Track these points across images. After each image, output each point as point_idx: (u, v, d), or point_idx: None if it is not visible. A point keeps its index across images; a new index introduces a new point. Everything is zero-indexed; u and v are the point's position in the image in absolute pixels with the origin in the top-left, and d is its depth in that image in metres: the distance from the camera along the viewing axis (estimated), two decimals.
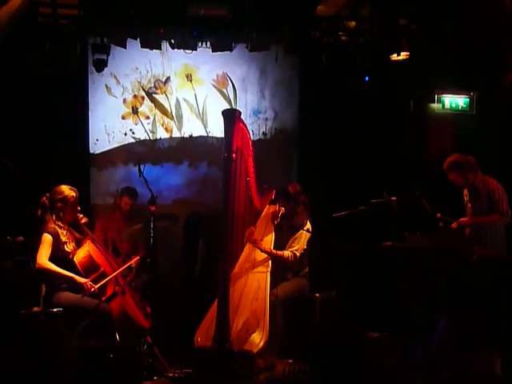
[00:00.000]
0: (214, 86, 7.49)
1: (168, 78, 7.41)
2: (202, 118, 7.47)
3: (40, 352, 3.04)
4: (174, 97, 7.43)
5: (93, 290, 5.27)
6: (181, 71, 7.42)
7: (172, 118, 7.43)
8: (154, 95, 7.41)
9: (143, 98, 7.39)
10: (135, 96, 7.38)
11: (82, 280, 5.29)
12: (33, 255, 5.64)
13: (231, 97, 7.49)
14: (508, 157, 6.93)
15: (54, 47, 6.56)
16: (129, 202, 6.71)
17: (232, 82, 7.46)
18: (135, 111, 7.39)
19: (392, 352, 3.59)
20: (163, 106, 7.42)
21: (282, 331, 5.72)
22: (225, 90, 7.49)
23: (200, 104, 7.45)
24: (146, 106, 7.41)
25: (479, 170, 5.97)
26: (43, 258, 5.26)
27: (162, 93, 7.42)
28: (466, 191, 6.09)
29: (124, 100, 7.36)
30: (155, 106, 7.42)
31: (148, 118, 7.41)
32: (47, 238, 5.30)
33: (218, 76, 7.43)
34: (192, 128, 7.48)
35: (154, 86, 7.40)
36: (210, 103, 7.47)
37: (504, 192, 5.90)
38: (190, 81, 7.45)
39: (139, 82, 7.36)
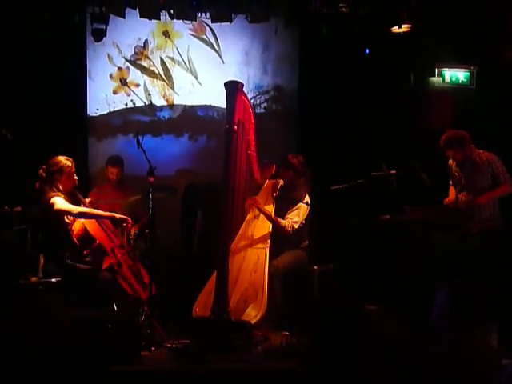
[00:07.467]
0: (192, 35, 7.38)
1: (146, 41, 7.31)
2: (191, 70, 7.38)
3: (39, 322, 3.05)
4: (158, 57, 7.35)
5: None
6: (157, 30, 7.30)
7: (162, 79, 7.36)
8: (137, 62, 7.33)
9: (128, 68, 7.32)
10: (120, 68, 7.30)
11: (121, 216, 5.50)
12: (31, 226, 5.66)
13: (212, 41, 7.39)
14: (508, 131, 6.91)
15: (52, 16, 6.50)
16: (114, 170, 6.68)
17: (209, 26, 7.32)
18: (124, 83, 7.32)
19: (389, 325, 3.60)
20: (150, 70, 7.35)
21: (280, 303, 5.74)
22: (204, 36, 7.38)
23: (185, 57, 7.36)
24: (133, 75, 7.34)
25: (472, 145, 5.96)
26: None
27: (144, 58, 7.33)
28: (454, 167, 6.07)
29: (110, 75, 7.29)
30: (142, 72, 7.34)
31: (138, 85, 7.34)
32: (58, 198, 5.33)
33: (194, 24, 7.29)
34: (185, 83, 7.40)
35: (135, 53, 7.31)
36: (193, 53, 7.39)
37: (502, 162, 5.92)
38: (168, 37, 7.34)
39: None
